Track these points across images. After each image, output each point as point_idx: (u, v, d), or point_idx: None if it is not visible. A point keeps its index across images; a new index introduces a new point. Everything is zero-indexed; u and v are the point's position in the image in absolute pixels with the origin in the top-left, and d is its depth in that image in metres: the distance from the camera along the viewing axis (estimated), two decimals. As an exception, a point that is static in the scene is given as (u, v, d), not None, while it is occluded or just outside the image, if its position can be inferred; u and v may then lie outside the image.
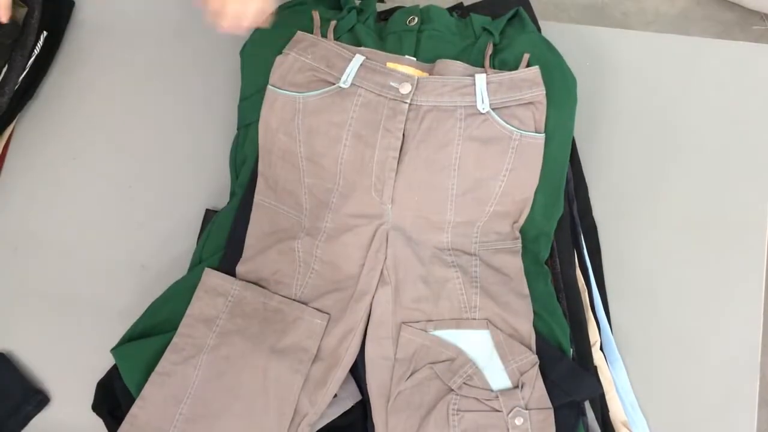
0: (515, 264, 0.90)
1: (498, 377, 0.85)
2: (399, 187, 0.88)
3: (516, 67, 0.93)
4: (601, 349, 0.93)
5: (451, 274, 0.88)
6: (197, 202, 1.01)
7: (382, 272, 0.88)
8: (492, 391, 0.84)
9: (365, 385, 0.87)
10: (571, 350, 0.89)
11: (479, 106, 0.88)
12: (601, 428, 0.90)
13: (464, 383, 0.84)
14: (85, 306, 0.99)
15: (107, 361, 0.91)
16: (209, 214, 1.00)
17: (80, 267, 1.00)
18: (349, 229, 0.89)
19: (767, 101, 1.02)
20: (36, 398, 0.94)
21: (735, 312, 0.95)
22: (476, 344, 0.86)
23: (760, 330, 0.94)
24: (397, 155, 0.88)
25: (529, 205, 0.90)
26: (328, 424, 0.88)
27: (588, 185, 0.99)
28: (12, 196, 1.04)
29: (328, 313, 0.88)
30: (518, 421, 0.82)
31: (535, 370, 0.84)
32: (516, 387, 0.84)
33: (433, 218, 0.89)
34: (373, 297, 0.88)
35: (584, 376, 0.86)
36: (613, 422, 0.90)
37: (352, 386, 0.89)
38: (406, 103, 0.88)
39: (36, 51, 1.04)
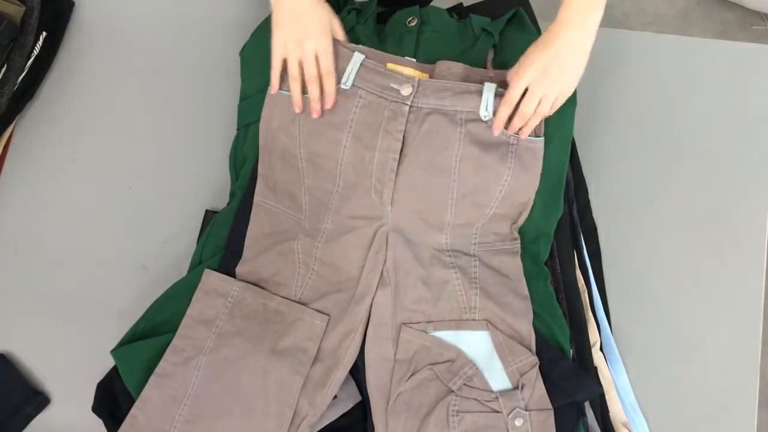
0: (514, 264, 0.90)
1: (498, 378, 0.85)
2: (399, 188, 0.88)
3: None
4: (601, 349, 0.92)
5: (451, 276, 0.88)
6: (197, 202, 1.01)
7: (382, 274, 0.88)
8: (492, 392, 0.84)
9: (365, 386, 0.87)
10: (571, 351, 0.89)
11: (482, 113, 0.88)
12: (601, 429, 0.90)
13: (464, 384, 0.84)
14: (85, 306, 0.99)
15: (107, 362, 0.91)
16: (209, 215, 0.99)
17: (80, 267, 1.00)
18: (348, 230, 0.89)
19: (767, 101, 1.02)
20: (36, 399, 0.94)
21: (735, 312, 0.95)
22: (476, 345, 0.86)
23: (760, 330, 0.94)
24: (397, 157, 0.88)
25: (529, 208, 0.90)
26: (328, 425, 0.88)
27: (588, 186, 0.99)
28: (12, 197, 1.04)
29: (327, 315, 0.88)
30: (518, 422, 0.82)
31: (535, 371, 0.84)
32: (516, 388, 0.84)
33: (432, 220, 0.89)
34: (373, 298, 0.87)
35: (584, 376, 0.86)
36: (613, 423, 0.90)
37: (352, 387, 0.89)
38: (406, 105, 0.88)
39: (35, 51, 1.04)
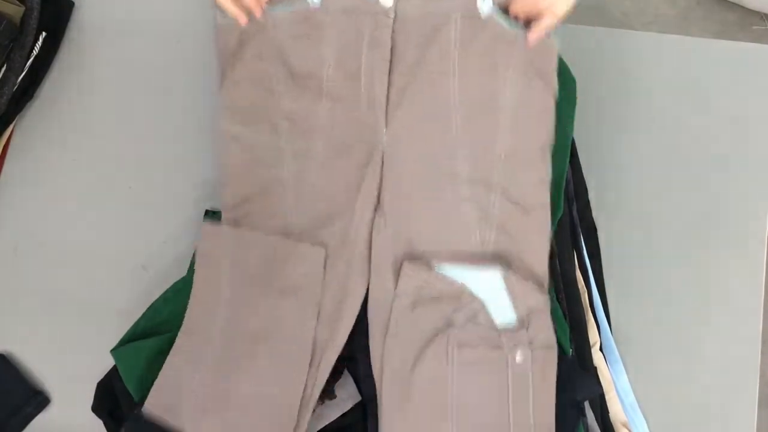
0: (541, 197, 0.84)
1: (504, 315, 0.82)
2: (393, 104, 0.83)
3: None
4: (601, 349, 0.92)
5: (464, 206, 0.83)
6: (197, 202, 1.01)
7: (380, 199, 0.83)
8: (496, 328, 0.81)
9: (365, 385, 0.87)
10: (571, 351, 0.89)
11: (479, 5, 0.80)
12: (601, 429, 0.90)
13: (467, 320, 0.81)
14: (85, 306, 0.99)
15: (107, 362, 0.91)
16: (209, 215, 0.99)
17: (80, 267, 1.00)
18: (340, 153, 0.84)
19: (767, 101, 1.02)
20: (36, 399, 0.94)
21: (735, 312, 0.95)
22: (485, 282, 0.82)
23: (760, 330, 0.94)
24: (387, 71, 0.82)
25: (552, 122, 0.82)
26: (328, 425, 0.88)
27: (588, 186, 0.99)
28: (12, 197, 1.04)
29: (324, 245, 0.83)
30: (519, 358, 0.80)
31: (546, 312, 0.82)
32: (521, 326, 0.81)
33: (437, 140, 0.83)
34: (372, 226, 0.83)
35: (584, 376, 0.86)
36: (613, 423, 0.90)
37: (352, 387, 0.89)
38: (390, 17, 0.82)
39: (35, 52, 1.04)
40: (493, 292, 0.82)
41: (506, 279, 0.82)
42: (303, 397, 0.82)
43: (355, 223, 0.83)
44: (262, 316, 0.84)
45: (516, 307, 0.81)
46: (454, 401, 0.80)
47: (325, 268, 0.83)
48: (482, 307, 0.81)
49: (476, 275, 0.82)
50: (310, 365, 0.82)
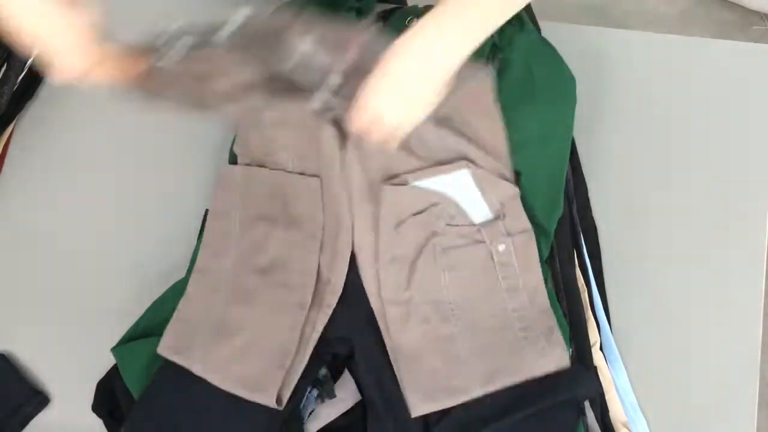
0: (485, 90, 0.88)
1: (479, 210, 0.86)
2: None
3: (517, 74, 0.92)
4: (601, 349, 0.92)
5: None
6: (197, 202, 1.01)
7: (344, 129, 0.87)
8: (474, 225, 0.86)
9: (364, 384, 0.87)
10: (571, 350, 0.89)
11: None
12: (600, 428, 0.90)
13: (447, 224, 0.86)
14: (85, 306, 0.99)
15: (107, 361, 0.91)
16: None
17: (80, 267, 1.00)
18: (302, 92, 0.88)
19: (767, 101, 1.02)
20: (36, 399, 0.94)
21: (735, 312, 0.95)
22: (457, 184, 0.87)
23: (760, 330, 0.94)
24: None
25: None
26: (328, 425, 0.88)
27: (587, 185, 0.99)
28: (12, 197, 1.04)
29: (317, 176, 0.88)
30: (501, 248, 0.85)
31: (517, 202, 0.87)
32: (497, 218, 0.86)
33: None
34: (344, 156, 0.87)
35: (584, 375, 0.86)
36: (613, 423, 0.90)
37: (352, 386, 0.89)
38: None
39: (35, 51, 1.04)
40: (464, 191, 0.86)
41: (474, 175, 0.86)
42: (302, 334, 0.85)
43: (327, 156, 0.87)
44: (270, 250, 0.88)
45: (488, 201, 0.86)
46: (451, 303, 0.85)
47: (322, 200, 0.87)
48: (458, 207, 0.86)
49: (447, 179, 0.87)
50: (312, 303, 0.85)
